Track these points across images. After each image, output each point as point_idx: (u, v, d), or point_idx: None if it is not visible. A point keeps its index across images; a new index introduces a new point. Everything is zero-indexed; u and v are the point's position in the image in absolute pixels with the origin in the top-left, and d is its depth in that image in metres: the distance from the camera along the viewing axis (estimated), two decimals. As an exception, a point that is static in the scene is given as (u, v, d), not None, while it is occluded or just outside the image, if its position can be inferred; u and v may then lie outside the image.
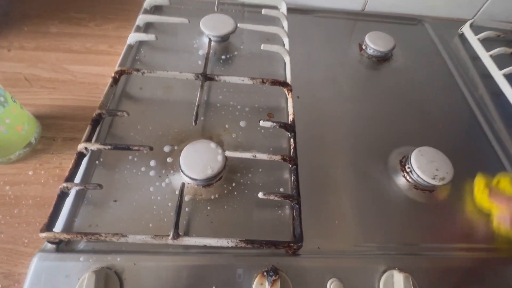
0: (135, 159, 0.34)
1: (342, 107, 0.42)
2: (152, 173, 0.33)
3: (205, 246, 0.28)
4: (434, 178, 0.32)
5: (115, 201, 0.31)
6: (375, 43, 0.47)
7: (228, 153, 0.32)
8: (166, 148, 0.35)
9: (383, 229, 0.32)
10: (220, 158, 0.32)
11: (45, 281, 0.25)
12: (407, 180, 0.35)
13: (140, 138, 0.35)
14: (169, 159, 0.34)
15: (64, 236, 0.26)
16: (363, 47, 0.49)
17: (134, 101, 0.39)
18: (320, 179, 0.35)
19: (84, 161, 0.32)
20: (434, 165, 0.33)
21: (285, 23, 0.49)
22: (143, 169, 0.33)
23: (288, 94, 0.39)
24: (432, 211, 0.34)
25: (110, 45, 0.45)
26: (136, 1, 0.52)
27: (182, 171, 0.31)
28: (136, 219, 0.30)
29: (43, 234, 0.26)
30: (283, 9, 0.51)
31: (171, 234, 0.27)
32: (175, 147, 0.35)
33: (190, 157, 0.32)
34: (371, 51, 0.48)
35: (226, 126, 0.38)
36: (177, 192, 0.32)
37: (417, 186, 0.34)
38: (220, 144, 0.36)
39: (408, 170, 0.35)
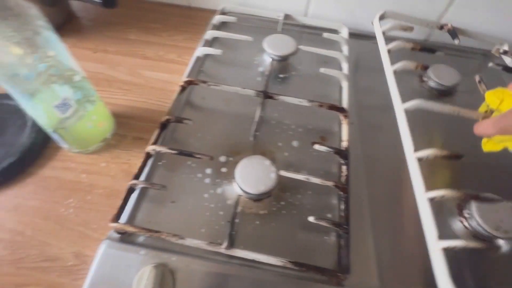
0: (193, 165, 0.36)
1: (398, 138, 0.41)
2: (207, 180, 0.35)
3: (250, 260, 0.29)
4: (497, 230, 0.30)
5: (173, 202, 0.33)
6: (438, 76, 0.46)
7: (282, 173, 0.33)
8: (222, 158, 0.37)
9: (428, 274, 0.31)
10: (273, 175, 0.33)
11: (110, 267, 0.28)
12: (465, 227, 0.33)
13: (199, 145, 0.38)
14: (223, 169, 0.36)
15: (131, 229, 0.28)
16: (424, 78, 0.48)
17: (197, 110, 0.42)
18: (364, 210, 0.34)
19: (149, 161, 0.35)
20: (499, 215, 0.31)
21: (345, 48, 0.50)
22: (199, 175, 0.35)
23: (344, 120, 0.39)
24: (491, 265, 0.31)
25: (178, 54, 0.49)
26: (205, 16, 0.56)
27: (237, 183, 0.32)
28: (190, 223, 0.32)
29: (113, 224, 0.29)
30: (344, 33, 0.52)
31: (225, 243, 0.28)
32: (230, 158, 0.37)
33: (245, 170, 0.33)
34: (433, 83, 0.46)
35: (279, 144, 0.39)
36: (229, 202, 0.33)
37: (476, 235, 0.32)
38: (272, 161, 0.37)
39: (467, 216, 0.33)
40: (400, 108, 0.37)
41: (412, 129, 0.35)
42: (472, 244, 0.28)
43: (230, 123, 0.40)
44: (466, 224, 0.33)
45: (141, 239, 0.30)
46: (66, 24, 0.53)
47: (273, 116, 0.42)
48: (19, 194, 0.33)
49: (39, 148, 0.36)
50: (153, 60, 0.48)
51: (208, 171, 0.36)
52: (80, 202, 0.33)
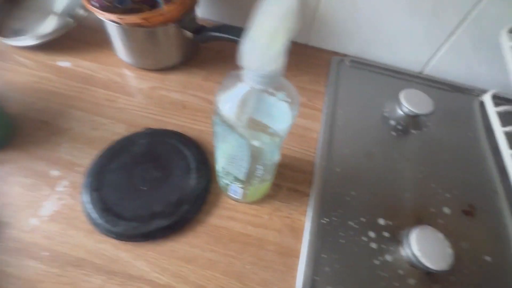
0: (356, 226, 0.36)
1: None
2: (373, 245, 0.35)
3: None
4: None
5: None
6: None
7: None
8: (381, 221, 0.37)
9: None
10: (449, 251, 0.33)
11: None
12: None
13: (354, 203, 0.38)
14: (385, 233, 0.36)
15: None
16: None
17: (341, 162, 0.42)
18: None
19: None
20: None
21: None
22: (364, 238, 0.35)
23: (497, 191, 0.39)
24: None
25: (308, 98, 0.49)
26: (323, 57, 0.56)
27: (415, 255, 0.32)
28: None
29: None
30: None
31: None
32: (389, 222, 0.37)
33: (420, 243, 0.33)
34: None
35: (431, 209, 0.39)
36: (400, 271, 0.33)
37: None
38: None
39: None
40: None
41: None
42: None
43: (375, 180, 0.40)
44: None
45: (327, 308, 0.30)
46: (194, 55, 0.53)
47: (417, 176, 0.42)
48: (195, 244, 0.33)
49: (204, 193, 0.36)
50: (285, 102, 0.48)
51: (371, 234, 0.36)
52: (254, 258, 0.33)
